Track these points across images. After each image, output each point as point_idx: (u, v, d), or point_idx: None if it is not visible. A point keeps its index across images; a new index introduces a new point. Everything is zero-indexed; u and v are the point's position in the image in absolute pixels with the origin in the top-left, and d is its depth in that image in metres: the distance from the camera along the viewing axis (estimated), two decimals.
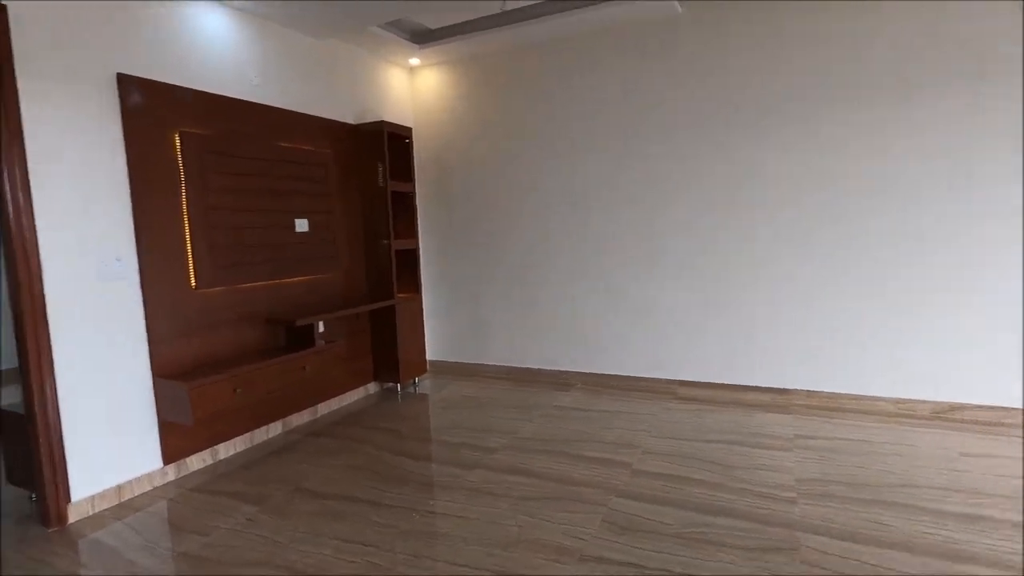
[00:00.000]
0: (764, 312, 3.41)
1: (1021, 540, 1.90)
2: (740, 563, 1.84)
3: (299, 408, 3.41)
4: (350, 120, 3.79)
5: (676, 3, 3.28)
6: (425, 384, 4.20)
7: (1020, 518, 2.03)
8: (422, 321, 4.24)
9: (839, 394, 3.28)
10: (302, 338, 3.23)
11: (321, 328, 3.40)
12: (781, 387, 3.41)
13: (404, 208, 4.01)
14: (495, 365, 4.29)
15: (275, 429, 3.25)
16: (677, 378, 3.68)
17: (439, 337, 4.50)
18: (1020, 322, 2.85)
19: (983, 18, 2.78)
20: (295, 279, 3.35)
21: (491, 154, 4.13)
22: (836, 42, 3.08)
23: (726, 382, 3.55)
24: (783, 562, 1.84)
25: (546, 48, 3.84)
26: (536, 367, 4.14)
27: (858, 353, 3.21)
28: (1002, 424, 2.90)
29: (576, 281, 3.93)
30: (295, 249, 3.31)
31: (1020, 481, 2.31)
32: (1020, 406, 2.89)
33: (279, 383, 2.93)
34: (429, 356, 4.39)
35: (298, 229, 3.33)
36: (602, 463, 2.67)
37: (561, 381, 4.01)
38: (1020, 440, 2.71)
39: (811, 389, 3.34)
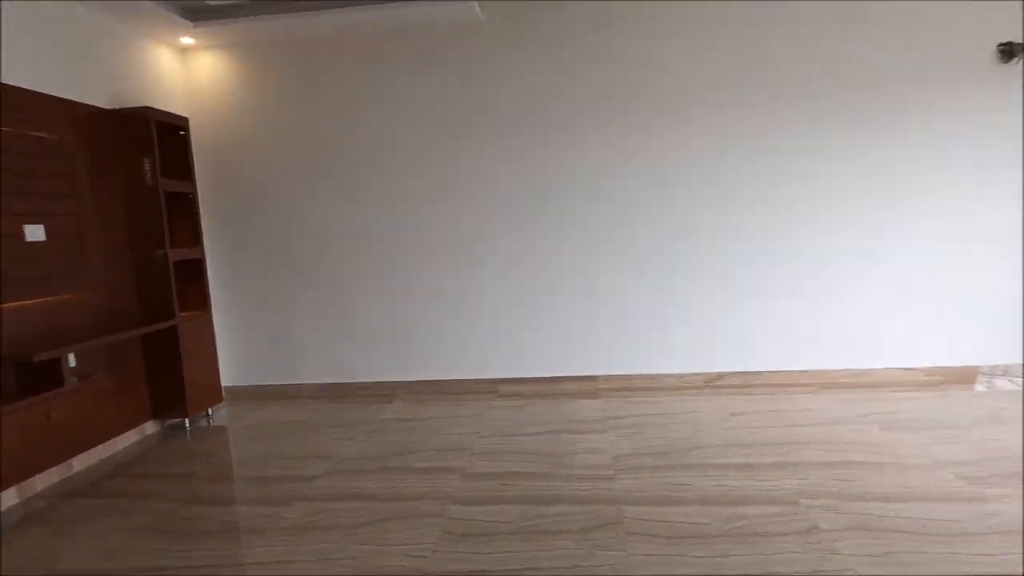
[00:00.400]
0: (574, 308, 3.68)
1: (781, 479, 2.34)
2: (574, 547, 1.93)
3: (44, 466, 2.67)
4: (103, 104, 3.10)
5: (475, 4, 3.31)
6: (222, 414, 3.64)
7: (779, 460, 2.50)
8: (213, 342, 3.67)
9: (634, 375, 3.69)
10: (44, 377, 2.54)
11: (73, 362, 2.71)
12: (589, 374, 3.72)
13: (183, 212, 3.41)
14: (308, 383, 3.92)
15: (8, 498, 2.49)
16: (499, 377, 3.78)
17: (237, 358, 3.95)
18: (760, 305, 3.54)
19: (736, 40, 3.40)
20: (27, 302, 2.61)
21: (290, 152, 3.75)
22: (625, 56, 3.47)
23: (544, 375, 3.75)
24: (611, 537, 1.98)
25: (341, 42, 3.62)
26: (355, 381, 3.88)
27: (646, 338, 3.66)
28: (750, 385, 3.57)
29: (393, 286, 3.78)
30: (24, 264, 2.58)
31: (774, 430, 2.85)
32: (763, 369, 3.59)
33: (9, 440, 2.25)
34: (225, 382, 3.82)
35: (29, 238, 2.61)
36: (434, 473, 2.59)
37: (384, 393, 3.83)
38: (767, 397, 3.36)
39: (611, 373, 3.71)
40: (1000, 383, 3.39)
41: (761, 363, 3.60)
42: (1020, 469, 2.31)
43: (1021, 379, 3.37)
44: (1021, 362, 3.40)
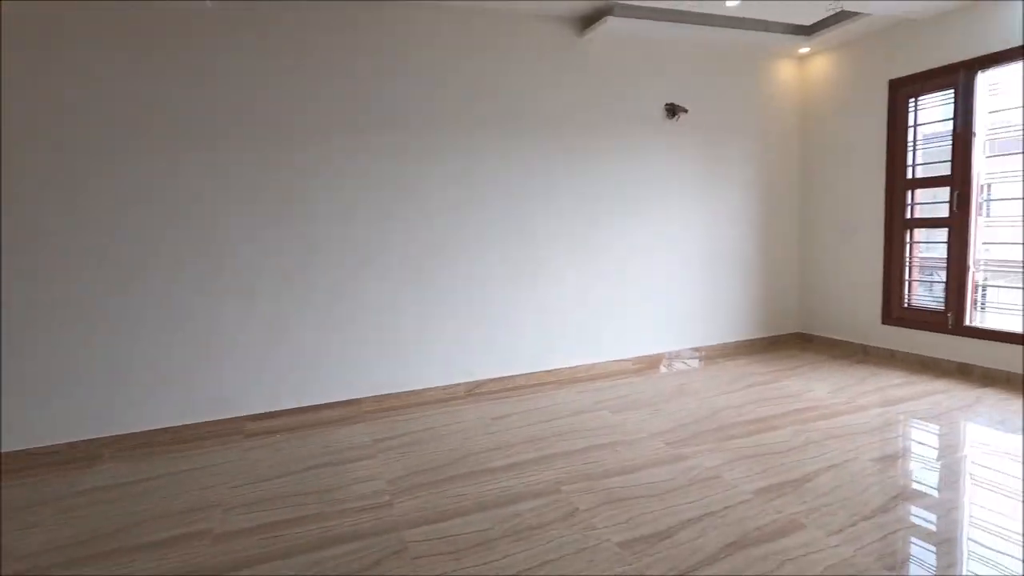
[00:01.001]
0: (327, 327, 3.46)
1: (542, 471, 2.58)
2: None
3: None
4: None
5: None
6: None
7: (540, 454, 2.76)
8: None
9: (399, 392, 3.66)
10: None
11: None
12: (352, 398, 3.54)
13: None
14: None
15: None
16: (244, 414, 3.31)
17: None
18: (508, 314, 3.88)
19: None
20: None
21: None
22: (373, 63, 3.42)
23: (299, 405, 3.43)
24: (397, 566, 1.91)
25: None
26: (31, 446, 2.93)
27: (408, 353, 3.66)
28: (506, 389, 3.88)
29: (88, 310, 2.99)
30: None
31: (531, 428, 3.14)
32: (515, 373, 3.94)
33: None
34: None
35: None
36: (173, 544, 2.12)
37: (79, 455, 2.98)
38: (521, 398, 3.68)
39: (376, 394, 3.61)
40: (677, 365, 4.38)
41: (513, 367, 3.94)
42: (704, 430, 3.01)
43: (696, 360, 4.43)
44: (690, 347, 4.47)
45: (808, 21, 3.90)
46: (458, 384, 3.80)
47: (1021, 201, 3.44)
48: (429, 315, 3.68)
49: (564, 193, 3.96)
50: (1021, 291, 3.49)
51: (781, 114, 4.67)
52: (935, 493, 2.27)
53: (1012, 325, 3.57)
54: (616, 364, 4.24)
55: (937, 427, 2.94)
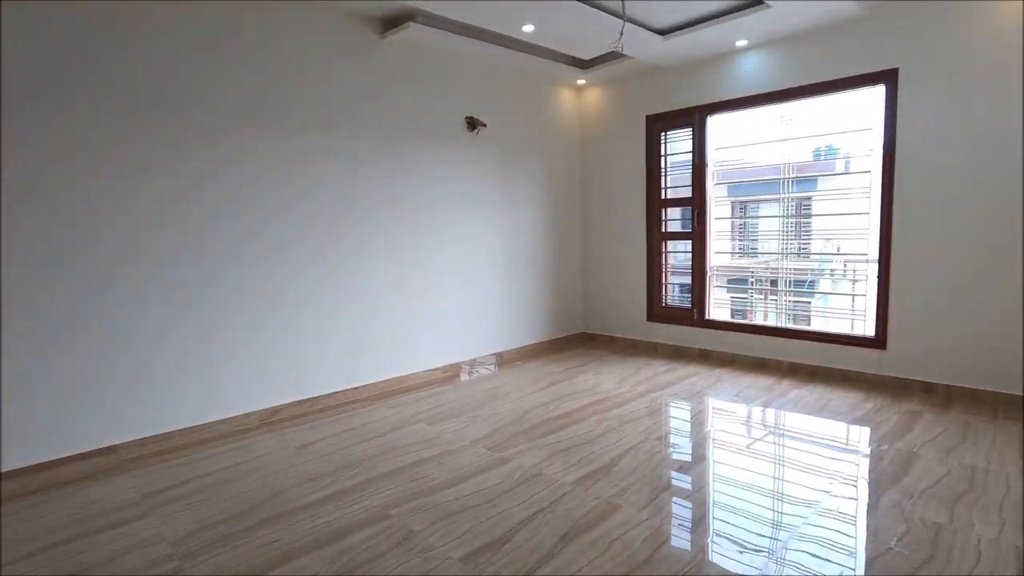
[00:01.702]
0: (64, 362, 2.70)
1: (367, 498, 2.38)
2: None
3: None
4: None
5: None
6: None
7: (360, 480, 2.54)
8: None
9: (173, 431, 3.04)
10: None
11: None
12: (106, 445, 2.82)
13: None
14: None
15: None
16: None
17: None
18: (308, 330, 3.53)
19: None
20: None
21: None
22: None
23: (30, 463, 2.59)
24: None
25: None
26: None
27: (184, 384, 3.07)
28: (310, 413, 3.52)
29: None
30: None
31: (345, 452, 2.88)
32: (319, 394, 3.59)
33: None
34: None
35: None
36: None
37: None
38: (329, 421, 3.37)
39: (139, 437, 2.94)
40: (481, 370, 4.52)
41: (317, 388, 3.60)
42: (519, 431, 3.13)
43: (492, 366, 4.60)
44: (492, 352, 4.64)
45: (587, 56, 4.40)
46: (249, 414, 3.31)
47: (729, 220, 4.40)
48: (209, 338, 3.14)
49: (368, 200, 3.77)
50: (726, 290, 4.46)
51: (565, 136, 5.18)
52: (710, 459, 2.73)
53: (725, 316, 4.53)
54: (428, 374, 4.18)
55: (698, 403, 3.55)
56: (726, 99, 4.28)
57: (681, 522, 2.15)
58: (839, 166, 4.47)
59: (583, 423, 3.22)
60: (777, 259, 4.31)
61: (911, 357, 3.59)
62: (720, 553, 1.93)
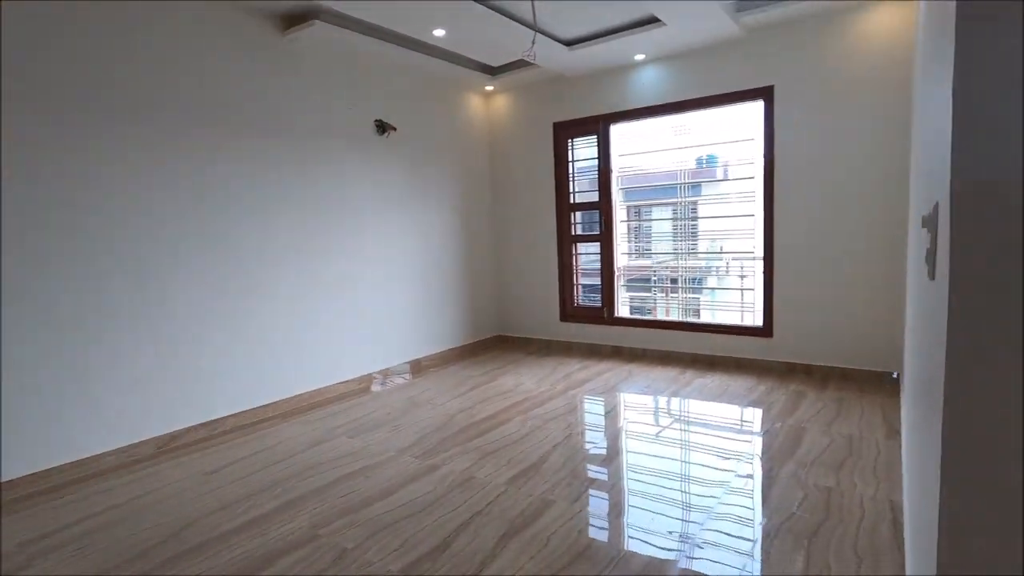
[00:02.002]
0: None
1: (291, 519, 2.25)
2: None
3: None
4: None
5: None
6: None
7: (281, 501, 2.40)
8: None
9: (50, 469, 2.68)
10: None
11: None
12: None
13: None
14: None
15: None
16: None
17: None
18: (210, 346, 3.27)
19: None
20: None
21: None
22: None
23: None
24: None
25: None
26: None
27: (57, 412, 2.73)
28: (214, 436, 3.25)
29: None
30: None
31: (262, 474, 2.69)
32: (225, 414, 3.33)
33: None
34: None
35: None
36: None
37: None
38: (238, 443, 3.13)
39: (14, 478, 2.56)
40: (397, 379, 4.43)
41: (221, 407, 3.33)
42: (446, 436, 3.11)
43: (408, 375, 4.53)
44: (409, 360, 4.57)
45: (496, 63, 4.47)
46: (142, 442, 2.99)
47: (626, 224, 4.68)
48: (92, 359, 2.81)
49: (271, 203, 3.57)
50: (627, 289, 4.75)
51: (474, 142, 5.22)
52: (626, 450, 2.88)
53: (627, 313, 4.82)
54: (341, 386, 4.02)
55: (613, 397, 3.73)
56: (627, 108, 4.54)
57: (612, 508, 2.26)
58: (719, 173, 4.90)
59: (508, 424, 3.27)
60: (674, 259, 4.65)
61: (793, 343, 4.03)
62: (642, 540, 2.06)
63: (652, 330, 4.67)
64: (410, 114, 4.50)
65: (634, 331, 4.76)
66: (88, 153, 2.76)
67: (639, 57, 4.29)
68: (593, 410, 3.54)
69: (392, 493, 2.46)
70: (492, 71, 4.76)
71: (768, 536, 2.01)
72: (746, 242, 4.32)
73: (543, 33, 3.83)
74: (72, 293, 2.72)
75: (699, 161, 4.84)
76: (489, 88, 5.12)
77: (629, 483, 2.49)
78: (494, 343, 5.48)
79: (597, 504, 2.30)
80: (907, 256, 2.92)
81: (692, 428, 3.15)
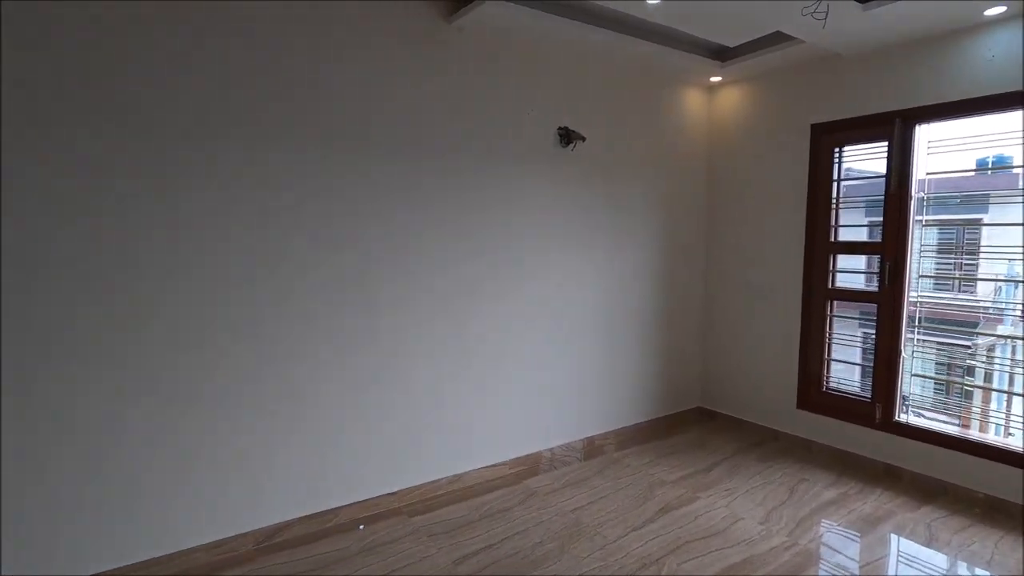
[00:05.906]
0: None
1: None
2: None
3: None
4: None
5: None
6: None
7: None
8: None
9: (139, 563, 2.19)
10: None
11: None
12: None
13: None
14: None
15: None
16: None
17: None
18: (317, 427, 2.59)
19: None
20: None
21: None
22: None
23: None
24: None
25: None
26: None
27: (147, 504, 2.22)
28: (323, 530, 2.56)
29: None
30: None
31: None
32: (335, 505, 2.64)
33: None
34: None
35: None
36: None
37: None
38: (335, 553, 2.39)
39: (111, 569, 2.12)
40: (562, 467, 3.38)
41: (331, 497, 2.64)
42: None
43: (579, 458, 3.44)
44: (581, 438, 3.49)
45: (734, 42, 3.13)
46: (236, 536, 2.40)
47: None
48: (181, 443, 2.27)
49: (414, 242, 2.78)
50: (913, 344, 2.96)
51: (687, 154, 3.92)
52: None
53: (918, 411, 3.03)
54: (489, 471, 3.11)
55: None
56: (952, 100, 2.84)
57: None
58: None
59: None
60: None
61: None
62: None
63: (968, 456, 2.88)
64: (601, 117, 3.41)
65: (928, 448, 3.01)
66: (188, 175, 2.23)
67: (993, 11, 2.59)
68: None
69: None
70: (724, 55, 3.43)
71: None
72: None
73: None
74: (188, 360, 2.21)
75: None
76: (715, 79, 3.78)
77: None
78: (693, 419, 4.11)
79: None
80: None
81: None
